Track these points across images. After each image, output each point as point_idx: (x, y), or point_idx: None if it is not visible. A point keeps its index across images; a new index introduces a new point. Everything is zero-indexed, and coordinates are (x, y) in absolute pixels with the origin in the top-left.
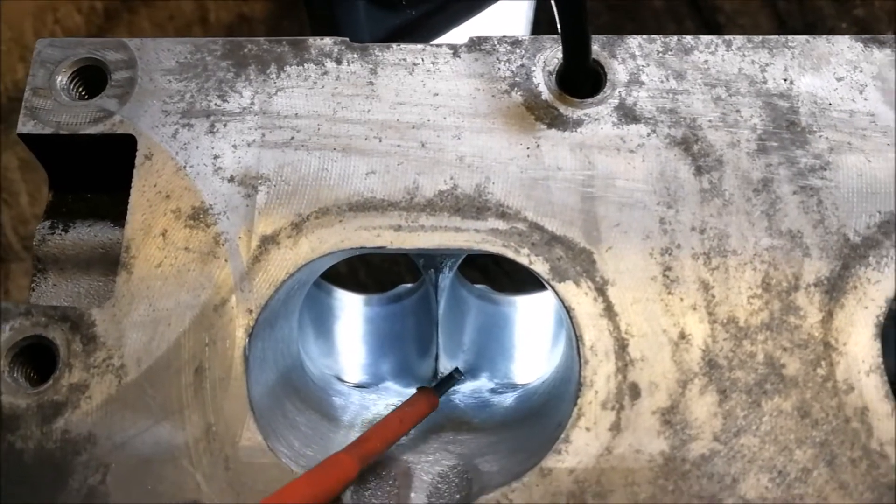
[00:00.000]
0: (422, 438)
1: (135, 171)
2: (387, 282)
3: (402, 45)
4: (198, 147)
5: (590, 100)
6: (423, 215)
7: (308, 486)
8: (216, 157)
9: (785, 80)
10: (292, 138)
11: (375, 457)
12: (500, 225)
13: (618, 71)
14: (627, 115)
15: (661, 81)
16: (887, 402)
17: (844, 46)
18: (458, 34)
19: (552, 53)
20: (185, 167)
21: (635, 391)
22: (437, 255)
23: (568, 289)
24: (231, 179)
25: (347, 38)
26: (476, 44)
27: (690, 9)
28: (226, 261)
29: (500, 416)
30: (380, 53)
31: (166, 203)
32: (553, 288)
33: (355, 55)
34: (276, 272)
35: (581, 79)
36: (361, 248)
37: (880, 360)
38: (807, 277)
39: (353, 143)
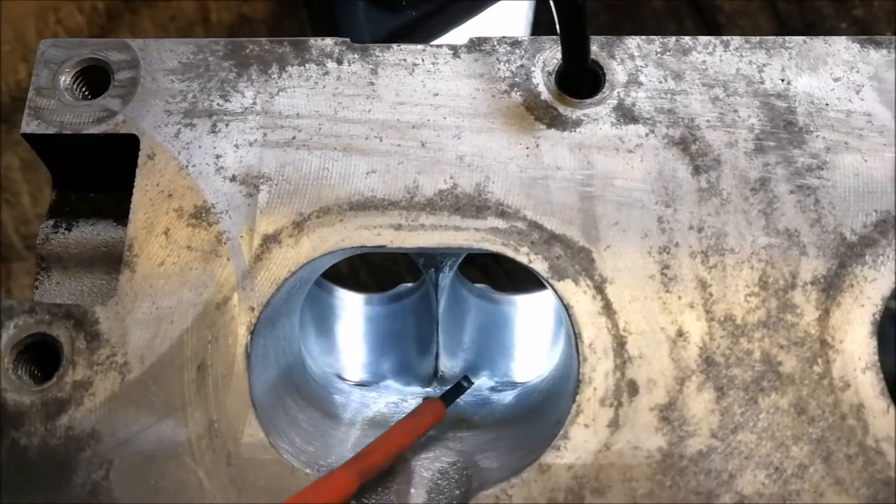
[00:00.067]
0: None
1: (137, 171)
2: (387, 281)
3: (403, 46)
4: (200, 146)
5: (589, 100)
6: (423, 214)
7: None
8: (218, 156)
9: (782, 80)
10: (294, 138)
11: (377, 471)
12: (500, 224)
13: (616, 71)
14: (626, 115)
15: (660, 82)
16: (883, 399)
17: (841, 47)
18: (458, 35)
19: (551, 54)
20: (187, 166)
21: (633, 388)
22: (438, 255)
23: (567, 287)
24: (233, 179)
25: (348, 39)
26: (476, 44)
27: (690, 9)
28: (228, 259)
29: (499, 413)
30: (380, 54)
31: (169, 202)
32: (552, 286)
33: (356, 55)
34: (277, 270)
35: (580, 79)
36: (362, 246)
37: (876, 357)
38: (804, 276)
39: (353, 142)
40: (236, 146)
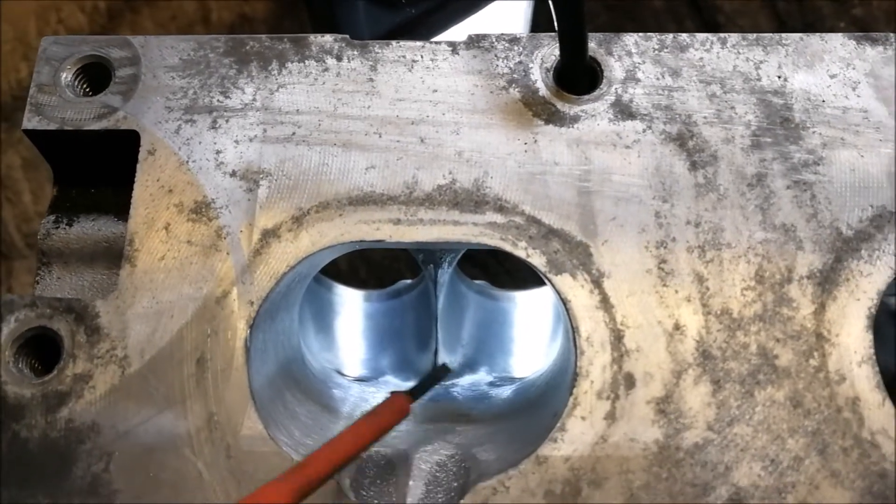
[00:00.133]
0: (421, 430)
1: (138, 166)
2: (387, 279)
3: (402, 42)
4: (200, 142)
5: (586, 96)
6: (422, 209)
7: None
8: (218, 152)
9: (779, 77)
10: (293, 134)
11: (322, 481)
12: (498, 219)
13: (614, 68)
14: (623, 111)
15: (657, 78)
16: (878, 392)
17: (837, 44)
18: (458, 33)
19: (550, 50)
20: (187, 162)
21: (630, 381)
22: (437, 251)
23: (565, 281)
24: (233, 174)
25: (347, 36)
26: (475, 41)
27: (690, 9)
28: (227, 254)
29: (497, 407)
30: (379, 50)
31: (169, 197)
32: (550, 280)
33: (355, 52)
34: (276, 265)
35: (578, 76)
36: (361, 241)
37: (872, 350)
38: (800, 270)
39: (353, 138)
40: (236, 142)
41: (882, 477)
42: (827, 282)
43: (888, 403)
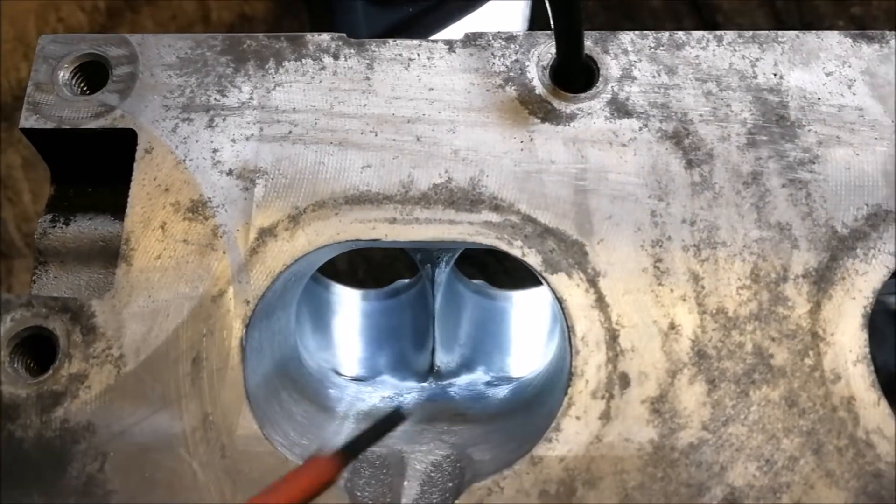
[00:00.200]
0: (416, 430)
1: (135, 165)
2: (385, 279)
3: (399, 41)
4: (197, 141)
5: (583, 94)
6: (418, 208)
7: None
8: (215, 150)
9: (775, 74)
10: (290, 132)
11: None
12: (494, 217)
13: (610, 66)
14: (620, 109)
15: (653, 76)
16: (874, 391)
17: (833, 42)
18: (454, 32)
19: (546, 49)
20: (184, 161)
21: (625, 381)
22: (434, 250)
23: (560, 280)
24: (229, 173)
25: (344, 35)
26: (471, 39)
27: (689, 8)
28: (224, 253)
29: (493, 407)
30: (376, 49)
31: (166, 196)
32: (545, 279)
33: (352, 50)
34: (273, 264)
35: (574, 74)
36: (357, 240)
37: (867, 349)
38: (795, 269)
39: (349, 137)
40: (233, 141)
41: (877, 477)
42: (822, 280)
43: (883, 403)
